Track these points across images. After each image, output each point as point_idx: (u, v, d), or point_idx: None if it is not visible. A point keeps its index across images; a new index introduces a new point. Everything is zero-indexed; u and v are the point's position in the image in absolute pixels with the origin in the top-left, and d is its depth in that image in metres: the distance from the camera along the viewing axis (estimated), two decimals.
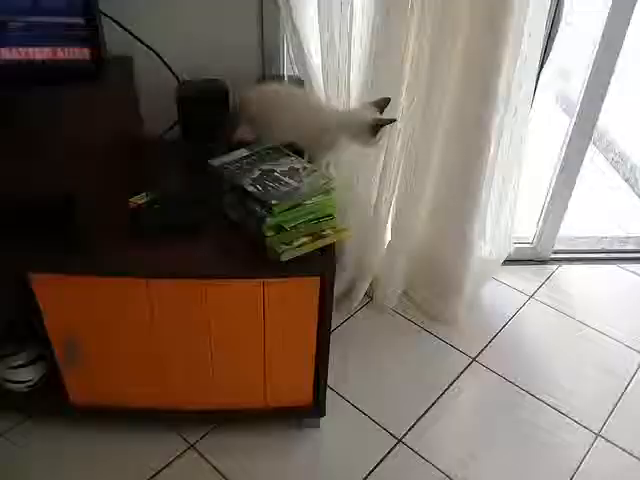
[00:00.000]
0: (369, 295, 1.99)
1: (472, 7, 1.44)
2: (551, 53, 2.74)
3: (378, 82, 1.53)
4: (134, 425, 1.52)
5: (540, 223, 2.15)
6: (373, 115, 1.32)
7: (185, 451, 1.48)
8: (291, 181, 1.24)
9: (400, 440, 1.55)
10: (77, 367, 1.36)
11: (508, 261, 2.09)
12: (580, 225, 2.40)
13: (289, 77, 1.63)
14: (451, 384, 1.72)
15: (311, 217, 1.22)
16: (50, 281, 1.23)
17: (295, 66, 1.58)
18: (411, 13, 1.45)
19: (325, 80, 1.56)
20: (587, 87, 1.85)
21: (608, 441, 1.57)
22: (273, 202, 1.16)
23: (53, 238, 1.20)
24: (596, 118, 1.91)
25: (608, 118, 3.03)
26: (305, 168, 1.29)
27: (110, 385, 1.43)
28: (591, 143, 3.01)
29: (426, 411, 1.64)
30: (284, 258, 1.17)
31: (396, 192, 1.74)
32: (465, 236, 1.77)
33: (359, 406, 1.63)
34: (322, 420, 1.55)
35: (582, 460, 1.53)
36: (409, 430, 1.58)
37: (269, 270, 1.20)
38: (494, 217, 1.87)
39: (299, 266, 1.20)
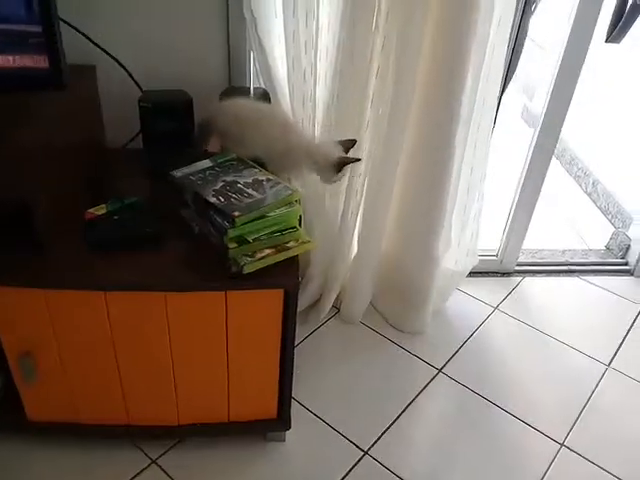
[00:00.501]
0: (336, 307, 1.99)
1: (436, 23, 1.47)
2: (517, 70, 2.81)
3: (343, 96, 1.54)
4: (95, 442, 1.48)
5: (504, 236, 2.18)
6: (339, 153, 1.33)
7: (147, 467, 1.45)
8: (254, 193, 1.23)
9: (366, 452, 1.54)
10: (34, 383, 1.32)
11: (473, 273, 2.12)
12: (544, 238, 2.45)
13: (255, 89, 1.63)
14: (417, 395, 1.72)
15: (274, 229, 1.21)
16: (4, 294, 1.19)
17: (261, 78, 1.58)
18: (376, 28, 1.46)
19: (291, 93, 1.56)
20: (549, 102, 1.89)
21: (572, 451, 1.59)
22: (235, 213, 1.16)
23: (7, 249, 1.17)
24: (558, 132, 1.95)
25: (571, 133, 3.11)
26: (269, 180, 1.28)
27: (69, 401, 1.39)
28: (554, 158, 3.09)
29: (392, 423, 1.63)
30: (247, 270, 1.16)
31: (362, 204, 1.75)
32: (430, 248, 1.79)
33: (325, 418, 1.62)
34: (287, 433, 1.54)
35: (547, 470, 1.54)
36: (375, 442, 1.57)
37: (231, 282, 1.19)
38: (459, 230, 1.89)
39: (262, 278, 1.19)
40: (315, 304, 1.95)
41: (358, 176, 1.66)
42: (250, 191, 1.24)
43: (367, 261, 1.85)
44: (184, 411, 1.43)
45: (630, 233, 2.35)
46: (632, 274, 2.30)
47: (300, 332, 1.89)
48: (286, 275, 1.22)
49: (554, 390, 1.78)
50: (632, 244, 2.32)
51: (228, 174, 1.30)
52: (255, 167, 1.34)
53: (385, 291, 1.98)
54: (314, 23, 1.46)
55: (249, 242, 1.17)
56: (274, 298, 1.25)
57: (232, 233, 1.16)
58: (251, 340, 1.32)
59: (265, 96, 1.55)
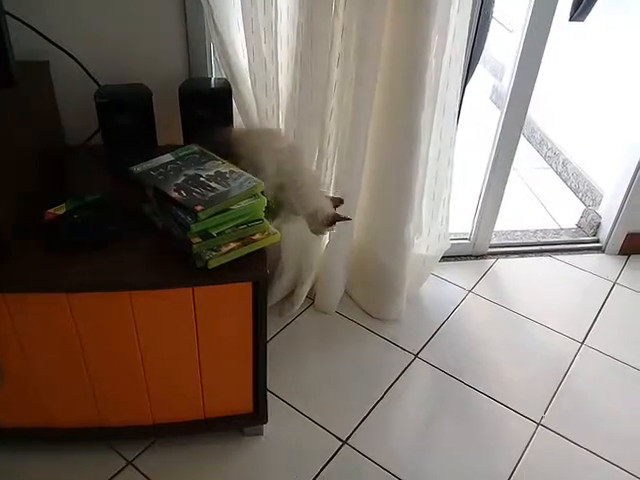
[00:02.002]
0: (311, 298, 1.98)
1: (396, 7, 1.45)
2: (484, 53, 2.81)
3: (306, 83, 1.52)
4: (68, 445, 1.45)
5: (476, 219, 2.19)
6: (330, 209, 1.31)
7: (123, 468, 1.43)
8: (218, 186, 1.21)
9: (345, 442, 1.54)
10: (1, 388, 1.29)
11: (447, 257, 2.13)
12: (516, 219, 2.46)
13: (217, 79, 1.60)
14: (394, 382, 1.72)
15: (240, 222, 1.19)
16: None
17: (222, 68, 1.55)
18: (335, 13, 1.44)
19: (253, 82, 1.53)
20: (514, 82, 1.88)
21: (549, 429, 1.61)
22: (198, 207, 1.13)
23: None
24: (524, 111, 1.95)
25: (541, 114, 3.13)
26: (233, 172, 1.26)
27: (38, 405, 1.35)
28: (525, 139, 3.10)
29: (370, 410, 1.63)
30: (212, 265, 1.14)
31: (331, 193, 1.73)
32: (401, 234, 1.78)
33: (303, 410, 1.61)
34: (265, 427, 1.53)
35: (524, 449, 1.55)
36: (354, 431, 1.57)
37: (197, 278, 1.17)
38: (430, 215, 1.88)
39: (229, 273, 1.17)
40: (289, 296, 1.94)
41: (325, 164, 1.65)
42: (213, 184, 1.21)
43: (339, 251, 1.84)
44: (158, 410, 1.41)
45: (600, 211, 2.37)
46: (603, 251, 2.33)
47: (275, 324, 1.88)
48: (254, 268, 1.20)
49: (530, 370, 1.80)
50: (602, 221, 2.34)
51: (190, 168, 1.27)
52: (218, 159, 1.31)
53: (359, 280, 1.98)
54: (273, 10, 1.43)
55: (213, 236, 1.15)
56: (243, 292, 1.23)
57: (195, 228, 1.13)
58: (222, 335, 1.30)
59: (227, 86, 1.51)
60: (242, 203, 1.19)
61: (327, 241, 1.84)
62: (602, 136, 2.57)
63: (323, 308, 1.95)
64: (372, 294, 1.95)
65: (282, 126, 1.62)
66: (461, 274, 2.16)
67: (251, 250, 1.19)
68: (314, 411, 1.61)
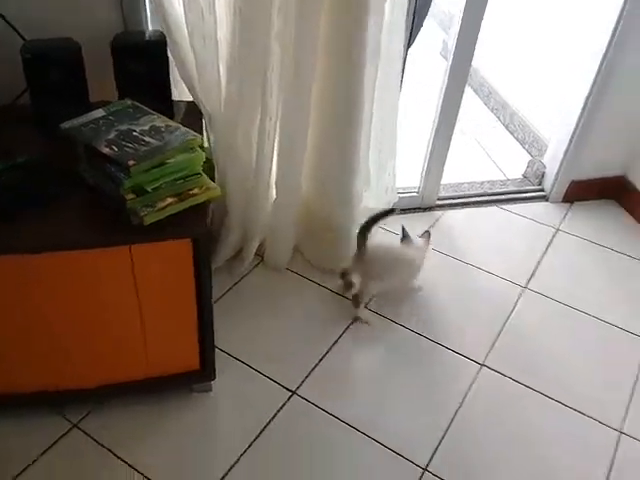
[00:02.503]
0: (261, 255, 1.98)
1: None
2: (432, 5, 2.79)
3: (245, 34, 1.47)
4: (13, 409, 1.44)
5: (424, 171, 2.20)
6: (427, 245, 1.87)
7: (68, 432, 1.42)
8: (152, 140, 1.18)
9: (294, 392, 1.57)
10: None
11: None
12: (464, 172, 2.49)
13: (152, 32, 1.55)
14: (343, 332, 1.75)
15: (176, 176, 1.17)
16: None
17: (159, 20, 1.50)
18: None
19: (190, 33, 1.48)
20: (459, 33, 1.87)
21: (492, 370, 1.67)
22: (130, 162, 1.10)
23: None
24: (469, 62, 1.94)
25: (488, 67, 3.14)
26: (168, 126, 1.23)
27: None
28: (473, 92, 3.12)
29: (320, 360, 1.66)
30: (148, 221, 1.12)
31: (276, 148, 1.72)
32: (349, 188, 1.78)
33: (253, 365, 1.63)
34: (214, 383, 1.54)
35: (468, 390, 1.62)
36: (303, 381, 1.60)
37: (133, 235, 1.15)
38: (377, 168, 1.89)
39: (167, 229, 1.16)
40: (238, 254, 1.93)
41: (269, 119, 1.62)
42: (147, 139, 1.18)
43: (287, 206, 1.83)
44: (102, 371, 1.40)
45: (545, 160, 2.42)
46: (547, 200, 2.38)
47: (225, 282, 1.88)
48: (193, 224, 1.19)
49: (475, 314, 1.86)
50: (547, 171, 2.39)
51: (123, 123, 1.24)
52: (153, 114, 1.28)
53: (308, 234, 1.98)
54: None
55: (148, 192, 1.13)
56: (182, 248, 1.22)
57: (128, 183, 1.11)
58: (164, 293, 1.29)
59: (162, 38, 1.46)
60: (178, 157, 1.17)
61: (274, 197, 1.83)
62: (547, 87, 2.61)
63: (273, 265, 1.96)
64: (322, 248, 1.96)
65: (222, 80, 1.58)
66: (410, 226, 2.15)
67: (189, 205, 1.18)
68: (263, 365, 1.63)
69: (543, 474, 1.45)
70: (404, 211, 2.24)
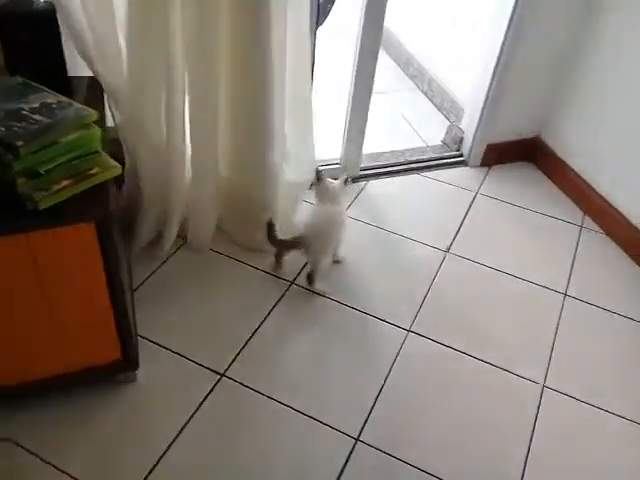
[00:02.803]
0: (183, 237, 1.91)
1: None
2: None
3: (141, 2, 1.39)
4: None
5: (344, 142, 2.19)
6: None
7: None
8: (42, 118, 1.09)
9: (223, 374, 1.53)
10: None
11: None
12: (386, 141, 2.49)
13: (42, 1, 1.43)
14: (271, 310, 1.72)
15: (72, 156, 1.09)
16: None
17: None
18: None
19: (84, 4, 1.37)
20: None
21: (418, 334, 1.69)
22: (19, 143, 1.02)
23: None
24: (381, 20, 1.92)
25: (406, 35, 3.14)
26: (60, 102, 1.14)
27: None
28: (392, 60, 3.11)
29: (247, 341, 1.63)
30: (43, 206, 1.04)
31: (188, 126, 1.64)
32: (266, 161, 1.74)
33: (179, 350, 1.58)
34: (139, 372, 1.48)
35: (398, 352, 1.64)
36: (231, 363, 1.56)
37: (28, 222, 1.06)
38: (295, 140, 1.85)
39: (66, 213, 1.08)
40: (158, 237, 1.85)
41: (176, 92, 1.54)
42: (37, 117, 1.09)
43: (204, 184, 1.77)
44: (18, 369, 1.32)
45: (462, 126, 2.45)
46: (467, 164, 2.42)
47: (147, 267, 1.81)
48: (94, 206, 1.12)
49: (400, 282, 1.88)
50: (464, 136, 2.42)
51: (11, 101, 1.13)
52: (45, 90, 1.18)
53: (231, 213, 1.93)
54: None
55: (41, 174, 1.05)
56: (86, 232, 1.14)
57: (18, 166, 1.02)
58: (71, 282, 1.21)
59: (51, 9, 1.35)
60: (72, 135, 1.09)
61: (189, 175, 1.76)
62: (462, 52, 2.63)
63: (196, 246, 1.90)
64: (245, 226, 1.92)
65: (124, 53, 1.49)
66: None
67: (88, 186, 1.10)
68: (190, 349, 1.58)
69: (473, 433, 1.48)
70: None
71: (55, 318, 1.25)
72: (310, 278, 1.78)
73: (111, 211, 1.14)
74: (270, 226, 1.74)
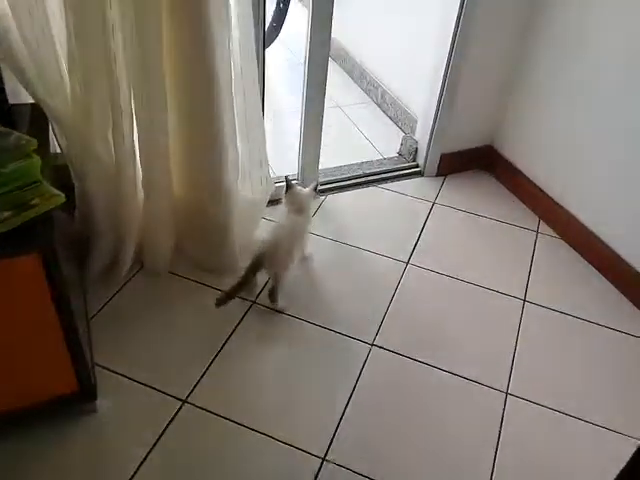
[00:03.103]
0: (139, 260, 1.87)
1: None
2: None
3: (78, 28, 1.36)
4: None
5: (300, 158, 2.19)
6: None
7: None
8: None
9: (185, 400, 1.50)
10: None
11: (277, 200, 2.11)
12: (342, 155, 2.50)
13: None
14: (232, 332, 1.70)
15: (11, 187, 1.06)
16: None
17: None
18: None
19: (20, 30, 1.34)
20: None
21: (381, 348, 1.69)
22: None
23: None
24: (328, 31, 1.91)
25: (357, 48, 3.17)
26: None
27: None
28: (346, 74, 3.13)
29: (209, 365, 1.60)
30: None
31: (137, 147, 1.62)
32: (219, 179, 1.72)
33: (138, 378, 1.54)
34: (99, 402, 1.45)
35: (362, 367, 1.63)
36: (193, 388, 1.53)
37: None
38: (247, 158, 1.83)
39: (8, 245, 1.05)
40: (114, 262, 1.81)
41: (121, 115, 1.51)
42: None
43: (158, 206, 1.74)
44: None
45: (416, 136, 2.47)
46: (423, 175, 2.45)
47: (104, 293, 1.77)
48: (38, 236, 1.08)
49: (361, 295, 1.87)
50: (419, 146, 2.45)
51: None
52: None
53: (188, 234, 1.90)
54: None
55: None
56: (31, 263, 1.10)
57: None
58: (20, 314, 1.17)
59: None
60: (10, 165, 1.05)
61: (141, 196, 1.73)
62: (413, 63, 2.66)
63: (153, 269, 1.86)
64: (203, 247, 1.89)
65: (65, 77, 1.46)
66: None
67: (31, 216, 1.07)
68: (151, 377, 1.55)
69: (440, 444, 1.48)
70: None
71: (5, 351, 1.21)
72: (272, 295, 1.76)
73: (55, 241, 1.11)
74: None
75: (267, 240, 1.75)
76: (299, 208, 1.81)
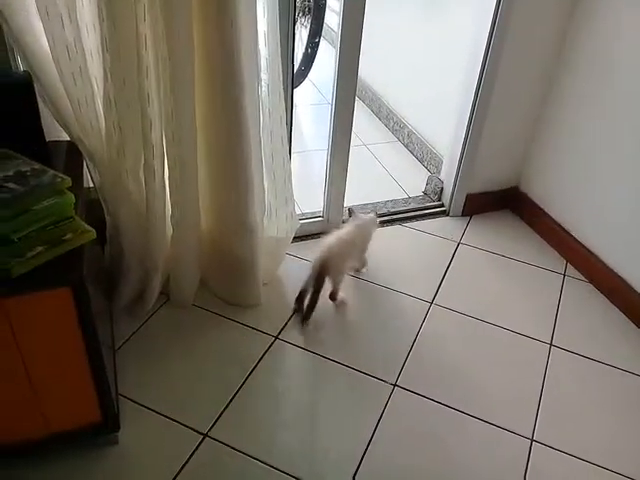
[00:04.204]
0: (166, 293, 1.90)
1: None
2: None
3: (114, 69, 1.43)
4: None
5: (326, 195, 2.21)
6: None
7: None
8: (16, 186, 1.10)
9: (206, 434, 1.50)
10: None
11: (303, 236, 2.15)
12: (368, 193, 2.53)
13: (16, 72, 1.47)
14: (255, 366, 1.71)
15: (45, 222, 1.10)
16: None
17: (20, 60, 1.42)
18: None
19: (59, 72, 1.41)
20: (341, 46, 1.89)
21: (405, 389, 1.67)
22: None
23: None
24: (355, 75, 1.96)
25: (384, 89, 3.23)
26: (34, 170, 1.16)
27: None
28: (373, 115, 3.18)
29: (232, 399, 1.60)
30: (15, 273, 1.05)
31: (168, 184, 1.66)
32: (246, 218, 1.75)
33: (160, 410, 1.55)
34: (121, 434, 1.46)
35: (384, 409, 1.61)
36: (214, 423, 1.54)
37: (1, 289, 1.06)
38: (273, 196, 1.87)
39: (40, 279, 1.09)
40: (141, 294, 1.85)
41: (153, 153, 1.56)
42: (11, 185, 1.11)
43: (186, 241, 1.78)
44: None
45: (442, 176, 2.49)
46: (448, 214, 2.45)
47: (130, 325, 1.80)
48: (69, 271, 1.12)
49: (384, 334, 1.86)
50: (444, 186, 2.46)
51: None
52: (20, 158, 1.20)
53: (213, 269, 1.93)
54: None
55: (14, 241, 1.05)
56: (61, 297, 1.14)
57: None
58: (49, 346, 1.20)
59: (29, 78, 1.39)
60: (45, 202, 1.10)
61: (171, 232, 1.77)
62: (439, 105, 2.70)
63: (179, 302, 1.89)
64: (227, 282, 1.92)
65: (100, 116, 1.53)
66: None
67: (63, 251, 1.11)
68: (173, 409, 1.56)
69: None
70: (312, 236, 2.23)
71: (34, 382, 1.24)
72: (333, 296, 1.93)
73: (85, 275, 1.14)
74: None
75: (327, 246, 1.85)
76: (363, 225, 1.99)
